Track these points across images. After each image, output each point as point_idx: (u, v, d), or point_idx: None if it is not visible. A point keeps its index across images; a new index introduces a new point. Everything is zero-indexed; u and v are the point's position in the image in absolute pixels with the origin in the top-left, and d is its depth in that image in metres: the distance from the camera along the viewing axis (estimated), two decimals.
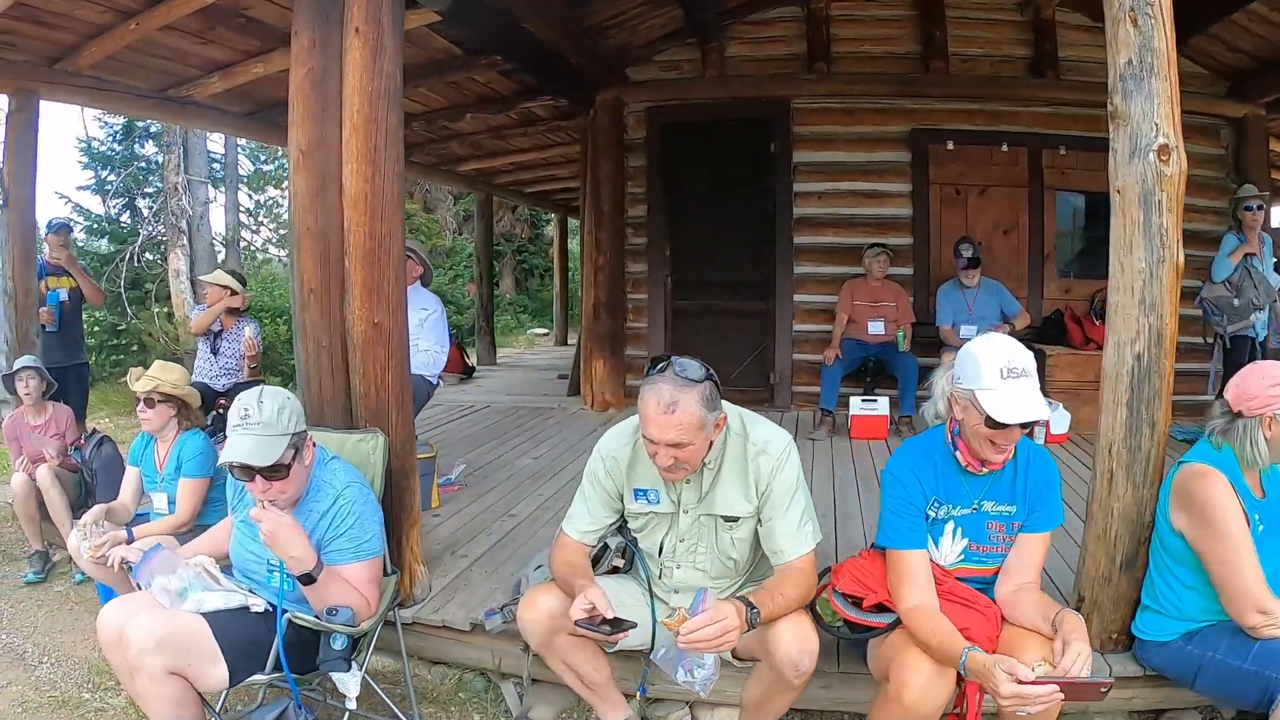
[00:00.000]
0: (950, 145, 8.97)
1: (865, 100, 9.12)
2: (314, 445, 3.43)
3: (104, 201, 17.10)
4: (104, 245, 17.10)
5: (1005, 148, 8.95)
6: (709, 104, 9.41)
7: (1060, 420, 7.46)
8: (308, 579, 3.09)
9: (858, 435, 7.92)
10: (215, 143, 16.74)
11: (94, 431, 6.63)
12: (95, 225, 17.02)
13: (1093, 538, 3.47)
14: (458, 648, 4.08)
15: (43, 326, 7.35)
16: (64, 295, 7.86)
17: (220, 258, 17.34)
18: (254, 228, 20.16)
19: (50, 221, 8.33)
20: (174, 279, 15.69)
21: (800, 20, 9.16)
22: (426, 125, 10.36)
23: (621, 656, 3.45)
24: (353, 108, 3.78)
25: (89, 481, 6.22)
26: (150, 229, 16.55)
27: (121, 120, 16.97)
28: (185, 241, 15.63)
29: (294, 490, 3.26)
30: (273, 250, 21.32)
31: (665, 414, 2.80)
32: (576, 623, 2.82)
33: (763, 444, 3.08)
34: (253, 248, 19.56)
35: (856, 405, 8.02)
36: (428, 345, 6.36)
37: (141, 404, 4.68)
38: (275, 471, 3.15)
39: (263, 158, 20.10)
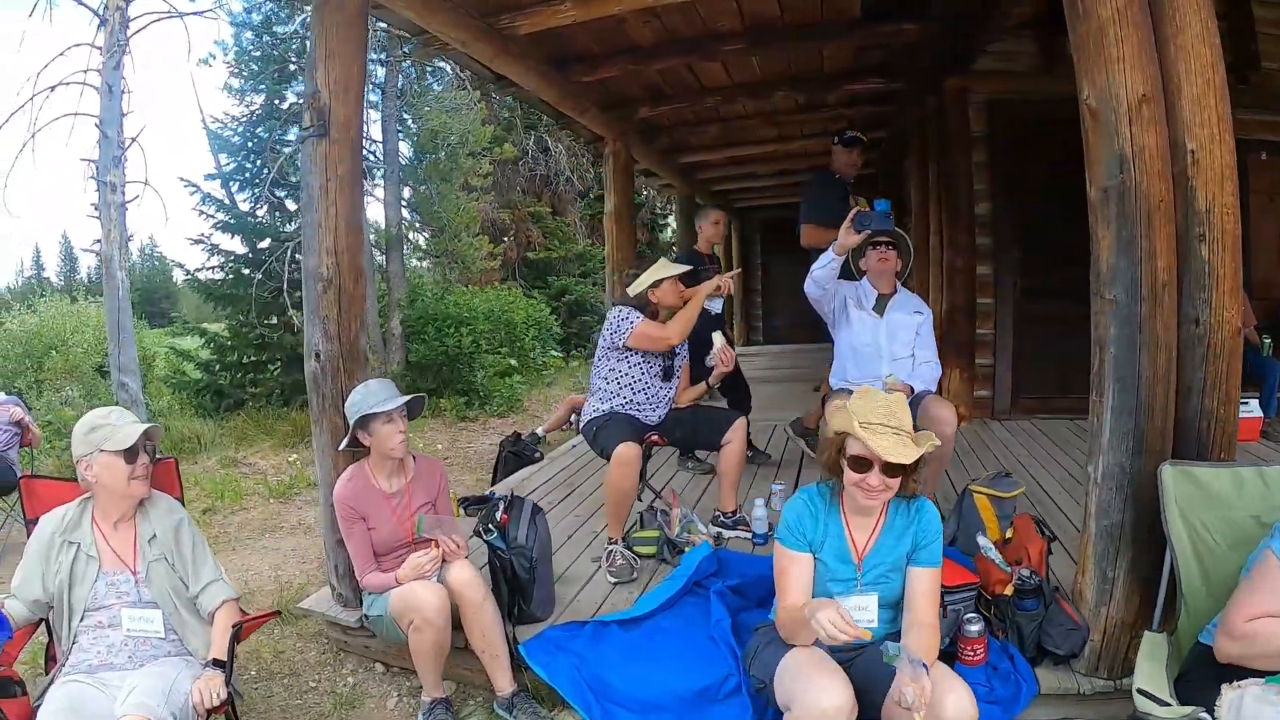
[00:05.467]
0: (1264, 155, 8.75)
1: None
2: None
3: (228, 192, 14.58)
4: (237, 243, 14.69)
5: None
6: (1049, 100, 8.05)
7: None
8: None
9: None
10: (371, 126, 14.63)
11: (514, 495, 4.59)
12: (233, 221, 14.39)
13: None
14: None
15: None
16: None
17: (380, 260, 15.07)
18: (419, 225, 17.56)
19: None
20: None
21: None
22: (719, 101, 9.45)
23: None
24: (1201, 58, 3.27)
25: (521, 579, 4.25)
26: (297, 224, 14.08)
27: (261, 98, 14.65)
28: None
29: None
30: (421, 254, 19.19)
31: None
32: None
33: None
34: (419, 248, 16.97)
35: None
36: (929, 356, 5.45)
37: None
38: None
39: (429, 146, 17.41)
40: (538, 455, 8.35)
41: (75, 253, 79.42)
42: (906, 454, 2.94)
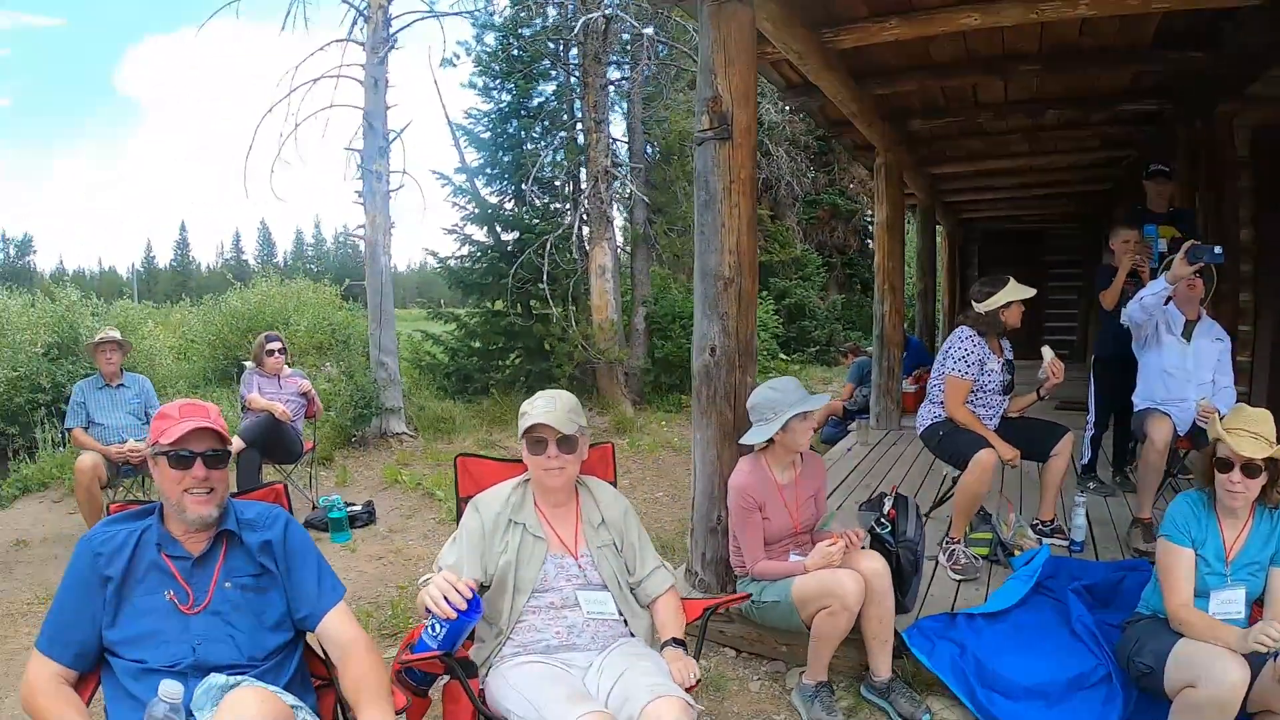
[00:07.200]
0: None
1: None
2: None
3: (472, 185, 15.00)
4: (483, 234, 15.19)
5: None
6: None
7: None
8: None
9: None
10: (614, 126, 14.88)
11: (898, 493, 4.68)
12: (485, 213, 14.90)
13: None
14: None
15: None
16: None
17: (625, 256, 15.46)
18: (667, 227, 17.16)
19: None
20: (597, 276, 13.68)
21: None
22: (991, 117, 9.41)
23: None
24: None
25: (905, 571, 4.38)
26: (556, 218, 14.58)
27: (508, 96, 15.16)
28: (612, 233, 13.65)
29: None
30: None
31: None
32: None
33: None
34: (663, 247, 17.04)
35: None
36: (1227, 381, 5.72)
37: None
38: None
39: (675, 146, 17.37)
40: None
41: (273, 238, 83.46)
42: (1258, 449, 3.35)
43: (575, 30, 13.00)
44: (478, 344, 14.91)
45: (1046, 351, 5.48)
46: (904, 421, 10.17)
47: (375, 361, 11.65)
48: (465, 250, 15.17)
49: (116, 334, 7.30)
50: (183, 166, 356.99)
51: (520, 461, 3.45)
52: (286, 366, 8.05)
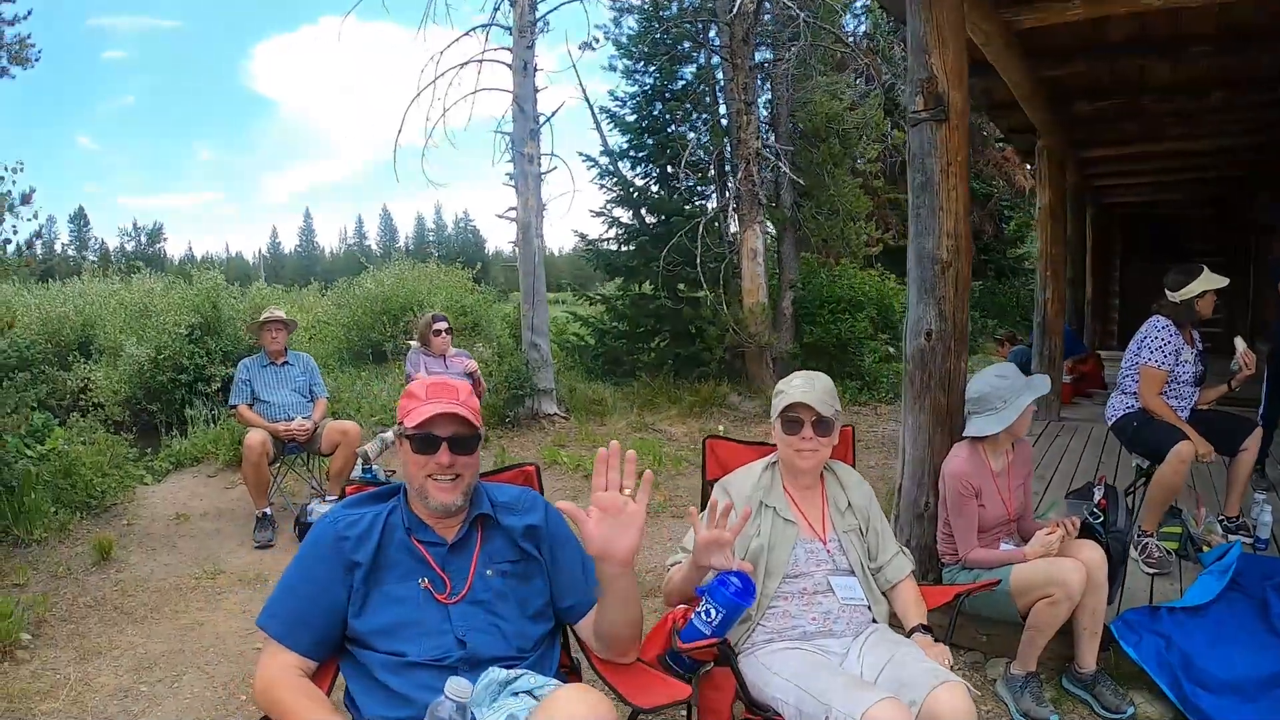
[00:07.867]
0: None
1: None
2: None
3: (615, 168, 15.14)
4: (628, 217, 15.32)
5: None
6: None
7: None
8: None
9: None
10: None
11: (1107, 484, 4.64)
12: (633, 196, 15.07)
13: None
14: None
15: None
16: None
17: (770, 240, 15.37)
18: (814, 210, 16.42)
19: None
20: (748, 260, 13.58)
21: None
22: (1154, 100, 8.91)
23: None
24: None
25: (1114, 562, 4.13)
26: (701, 200, 14.77)
27: (650, 79, 15.31)
28: (763, 216, 13.60)
29: None
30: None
31: None
32: None
33: None
34: (809, 231, 16.84)
35: None
36: None
37: None
38: None
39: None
40: None
41: (394, 224, 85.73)
42: None
43: (732, 11, 12.92)
44: (624, 326, 15.08)
45: (1239, 343, 5.34)
46: (1063, 413, 9.99)
47: (528, 343, 11.81)
48: (612, 233, 15.32)
49: (282, 313, 7.45)
50: (304, 157, 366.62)
51: (766, 445, 3.46)
52: (452, 348, 8.13)
